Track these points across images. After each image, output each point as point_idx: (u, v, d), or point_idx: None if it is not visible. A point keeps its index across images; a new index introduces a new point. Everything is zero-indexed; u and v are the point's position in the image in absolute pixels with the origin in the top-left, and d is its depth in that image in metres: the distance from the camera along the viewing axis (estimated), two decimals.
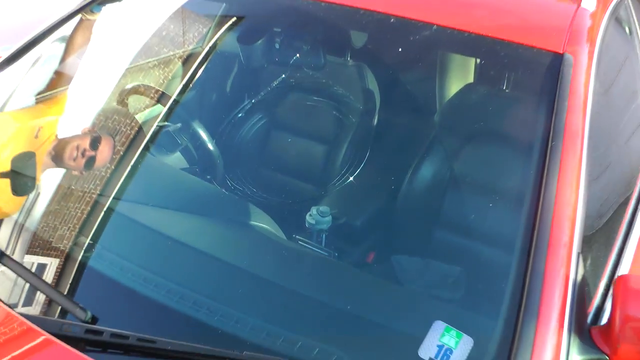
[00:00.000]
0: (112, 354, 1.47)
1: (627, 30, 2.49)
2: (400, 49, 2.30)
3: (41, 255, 1.78)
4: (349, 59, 2.57)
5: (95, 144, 2.17)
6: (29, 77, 2.48)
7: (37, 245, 1.81)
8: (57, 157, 2.19)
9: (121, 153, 2.17)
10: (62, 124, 2.41)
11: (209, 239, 1.88)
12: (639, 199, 2.20)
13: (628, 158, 2.32)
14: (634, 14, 2.57)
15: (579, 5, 2.06)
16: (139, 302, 1.61)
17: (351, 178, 2.36)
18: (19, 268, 1.63)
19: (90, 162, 2.14)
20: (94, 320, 1.49)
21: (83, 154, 2.15)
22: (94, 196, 1.99)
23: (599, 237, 1.78)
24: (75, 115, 2.44)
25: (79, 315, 1.49)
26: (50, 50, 2.52)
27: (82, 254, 1.75)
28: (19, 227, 1.88)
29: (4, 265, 1.63)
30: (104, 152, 2.16)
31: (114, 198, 1.97)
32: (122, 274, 1.69)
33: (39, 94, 2.51)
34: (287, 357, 1.43)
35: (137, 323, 1.56)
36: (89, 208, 1.93)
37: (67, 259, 1.76)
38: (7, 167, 2.08)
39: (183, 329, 1.55)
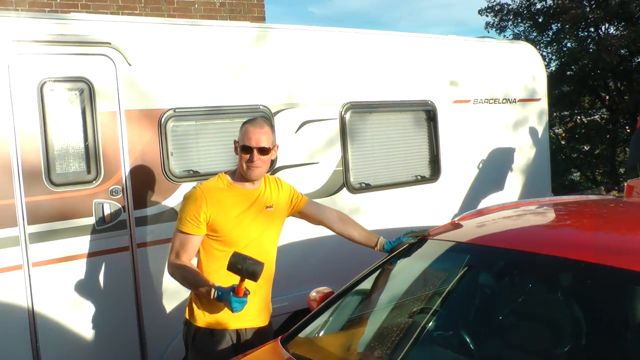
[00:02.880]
0: None
1: None
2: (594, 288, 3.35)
3: None
4: (559, 294, 3.57)
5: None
6: (341, 308, 3.98)
7: None
8: None
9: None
10: (363, 341, 3.82)
11: None
12: None
13: None
14: None
15: None
16: None
17: None
18: None
19: None
20: None
21: None
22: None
23: None
24: (372, 333, 3.88)
25: None
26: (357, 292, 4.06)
27: None
28: None
29: None
30: None
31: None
32: None
33: (348, 321, 4.00)
34: None
35: None
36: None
37: None
38: None
39: None
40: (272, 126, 3.99)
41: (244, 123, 3.92)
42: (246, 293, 3.51)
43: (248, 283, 3.48)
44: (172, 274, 3.84)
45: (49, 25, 4.59)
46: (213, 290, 3.60)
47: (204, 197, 3.78)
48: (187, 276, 3.74)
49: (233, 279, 3.50)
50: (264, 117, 5.02)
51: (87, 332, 4.72)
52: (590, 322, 3.21)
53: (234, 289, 3.48)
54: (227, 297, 3.49)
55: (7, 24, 4.44)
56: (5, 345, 4.45)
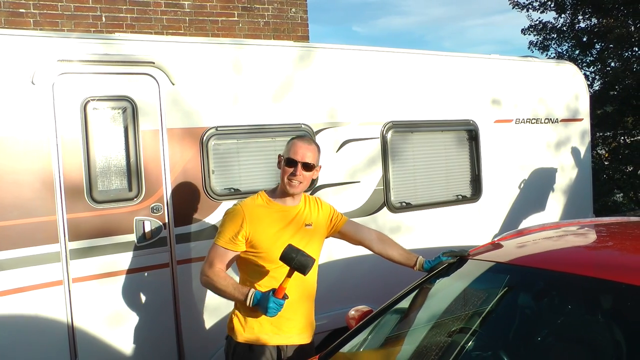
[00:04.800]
0: None
1: None
2: (635, 310, 3.20)
3: None
4: (600, 316, 3.49)
5: None
6: (380, 326, 3.97)
7: None
8: None
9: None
10: (402, 356, 3.80)
11: None
12: None
13: None
14: None
15: None
16: None
17: None
18: None
19: None
20: None
21: None
22: None
23: None
24: (410, 352, 3.83)
25: None
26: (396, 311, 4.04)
27: None
28: None
29: None
30: None
31: None
32: None
33: (386, 339, 3.97)
34: None
35: None
36: None
37: None
38: None
39: None
40: (319, 147, 4.01)
41: (293, 138, 3.98)
42: (285, 297, 3.59)
43: (291, 291, 3.63)
44: (205, 282, 3.86)
45: (92, 45, 4.67)
46: (250, 293, 3.66)
47: (244, 215, 3.81)
48: (221, 283, 3.76)
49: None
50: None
51: (126, 347, 4.76)
52: (631, 345, 3.15)
53: (274, 291, 3.59)
54: (266, 298, 3.58)
55: (51, 43, 4.52)
56: None
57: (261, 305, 3.62)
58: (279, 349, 3.89)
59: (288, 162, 3.84)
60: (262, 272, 3.84)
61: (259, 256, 3.84)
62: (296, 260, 3.54)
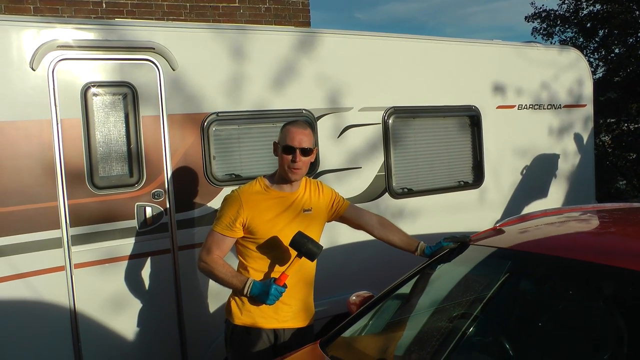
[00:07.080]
0: None
1: None
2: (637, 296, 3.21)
3: None
4: (601, 302, 3.45)
5: None
6: (381, 312, 3.98)
7: None
8: None
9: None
10: (401, 345, 3.80)
11: None
12: None
13: None
14: None
15: None
16: None
17: None
18: None
19: None
20: None
21: None
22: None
23: None
24: (411, 337, 3.84)
25: None
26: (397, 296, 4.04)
27: None
28: None
29: None
30: None
31: None
32: None
33: (387, 325, 3.99)
34: None
35: None
36: None
37: None
38: None
39: None
40: (312, 127, 3.99)
41: (285, 124, 3.95)
42: (285, 286, 3.70)
43: (289, 277, 3.72)
44: (202, 268, 3.90)
45: (93, 31, 4.65)
46: (249, 282, 3.73)
47: (241, 201, 3.83)
48: (219, 270, 3.80)
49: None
50: (305, 120, 5.05)
51: (128, 333, 4.77)
52: (633, 330, 3.13)
53: (275, 279, 3.70)
54: (266, 287, 3.68)
55: (52, 29, 4.50)
56: (47, 346, 4.52)
57: (260, 294, 3.69)
58: (275, 332, 3.92)
59: (286, 150, 3.83)
60: (259, 258, 3.87)
61: (256, 242, 3.86)
62: (306, 248, 3.66)
